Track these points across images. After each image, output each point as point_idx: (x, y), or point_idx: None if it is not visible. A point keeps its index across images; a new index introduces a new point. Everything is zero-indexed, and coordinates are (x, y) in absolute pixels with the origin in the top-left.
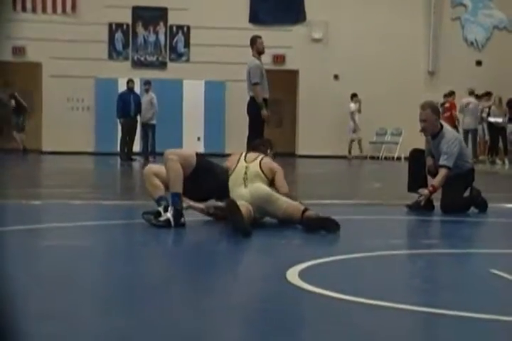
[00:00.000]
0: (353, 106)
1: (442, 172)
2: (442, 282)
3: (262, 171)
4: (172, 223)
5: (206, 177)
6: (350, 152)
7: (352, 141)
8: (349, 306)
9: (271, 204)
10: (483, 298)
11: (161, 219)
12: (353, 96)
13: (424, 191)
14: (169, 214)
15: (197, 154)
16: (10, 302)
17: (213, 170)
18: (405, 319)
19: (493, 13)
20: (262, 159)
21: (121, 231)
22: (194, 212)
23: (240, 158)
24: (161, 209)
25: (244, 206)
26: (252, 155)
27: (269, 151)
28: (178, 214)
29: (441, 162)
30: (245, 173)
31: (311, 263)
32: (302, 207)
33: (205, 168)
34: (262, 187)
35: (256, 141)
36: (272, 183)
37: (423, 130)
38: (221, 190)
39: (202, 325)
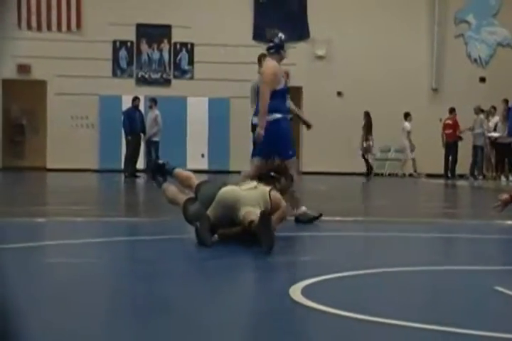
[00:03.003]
0: (408, 125)
1: None
2: (446, 299)
3: (270, 199)
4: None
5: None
6: (415, 172)
7: (407, 160)
8: (352, 323)
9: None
10: (486, 315)
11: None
12: (407, 115)
13: (503, 196)
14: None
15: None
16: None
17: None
18: (409, 336)
19: (497, 30)
20: (271, 190)
21: (126, 248)
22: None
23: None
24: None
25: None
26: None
27: (277, 185)
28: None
29: None
30: (255, 187)
31: (314, 280)
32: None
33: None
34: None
35: (264, 177)
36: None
37: None
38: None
39: None
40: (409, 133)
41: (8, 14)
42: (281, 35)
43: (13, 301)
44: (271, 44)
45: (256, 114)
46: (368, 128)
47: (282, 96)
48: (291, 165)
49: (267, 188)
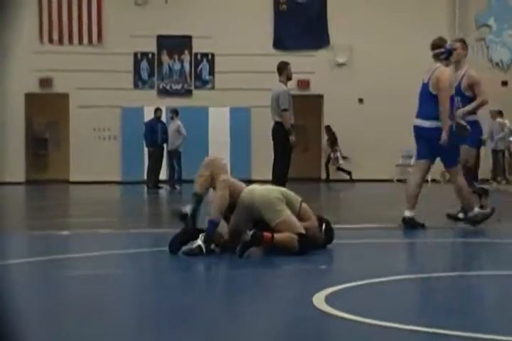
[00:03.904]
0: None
1: None
2: (471, 305)
3: (300, 208)
4: (203, 249)
5: None
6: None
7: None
8: (376, 331)
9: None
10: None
11: (192, 247)
12: None
13: None
14: (200, 241)
15: None
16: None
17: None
18: None
19: None
20: (302, 201)
21: (149, 259)
22: None
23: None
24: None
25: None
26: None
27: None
28: (208, 240)
29: None
30: (282, 194)
31: (337, 288)
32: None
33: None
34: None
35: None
36: (299, 217)
37: None
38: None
39: None
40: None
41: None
42: (449, 41)
43: (12, 313)
44: (442, 50)
45: (419, 116)
46: (332, 141)
47: (451, 102)
48: (456, 172)
49: (299, 198)
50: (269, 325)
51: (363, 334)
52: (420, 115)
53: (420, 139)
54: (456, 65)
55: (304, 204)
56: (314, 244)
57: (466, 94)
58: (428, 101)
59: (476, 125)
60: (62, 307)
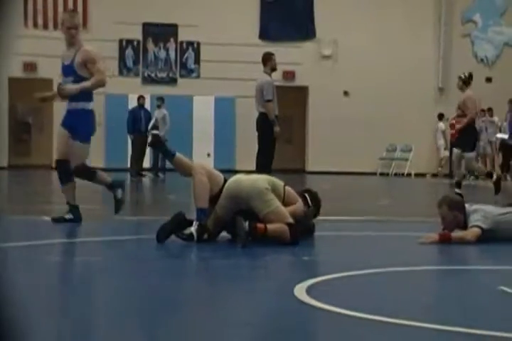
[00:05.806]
0: (443, 125)
1: (473, 231)
2: (451, 298)
3: (284, 193)
4: (195, 238)
5: None
6: (441, 168)
7: (441, 159)
8: (356, 322)
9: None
10: (491, 315)
11: (185, 232)
12: (442, 116)
13: (429, 239)
14: (193, 229)
15: (225, 179)
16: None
17: None
18: (414, 335)
19: (504, 30)
20: (285, 185)
21: (131, 246)
22: None
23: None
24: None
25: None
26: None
27: (309, 205)
28: (201, 229)
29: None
30: (269, 183)
31: (319, 280)
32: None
33: None
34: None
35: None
36: (284, 203)
37: (444, 228)
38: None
39: None
40: (443, 132)
41: (11, 12)
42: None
43: (8, 298)
44: None
45: None
46: None
47: None
48: None
49: (282, 182)
50: (249, 316)
51: (344, 326)
52: None
53: None
54: (70, 41)
55: (288, 188)
56: (307, 224)
57: (79, 73)
58: None
59: (85, 115)
60: (41, 294)
